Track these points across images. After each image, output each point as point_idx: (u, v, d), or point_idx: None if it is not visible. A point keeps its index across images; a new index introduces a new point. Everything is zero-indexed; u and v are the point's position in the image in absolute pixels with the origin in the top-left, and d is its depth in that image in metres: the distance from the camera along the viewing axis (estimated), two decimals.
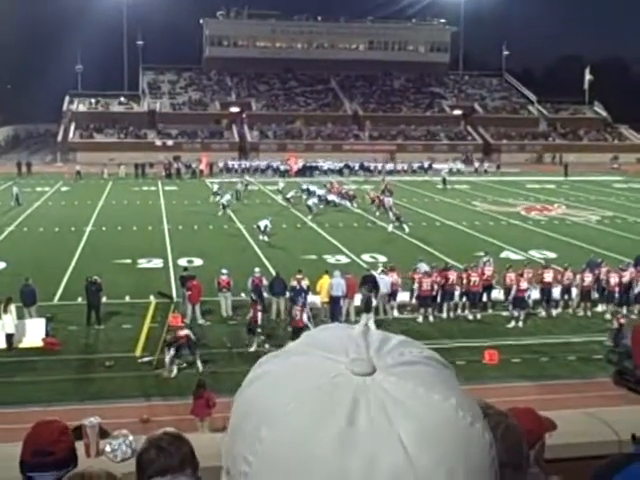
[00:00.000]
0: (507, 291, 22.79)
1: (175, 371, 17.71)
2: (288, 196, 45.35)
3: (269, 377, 0.85)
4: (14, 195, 43.99)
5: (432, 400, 0.80)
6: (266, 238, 32.80)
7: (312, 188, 47.39)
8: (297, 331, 18.39)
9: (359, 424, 0.76)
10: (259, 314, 19.63)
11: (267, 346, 19.56)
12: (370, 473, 0.75)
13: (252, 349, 19.42)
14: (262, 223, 33.30)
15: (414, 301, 22.95)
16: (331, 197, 45.48)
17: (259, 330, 19.55)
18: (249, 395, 0.85)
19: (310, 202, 41.67)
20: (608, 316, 22.30)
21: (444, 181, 56.07)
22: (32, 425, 3.34)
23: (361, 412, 0.77)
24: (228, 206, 41.36)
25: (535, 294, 23.12)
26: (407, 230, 35.58)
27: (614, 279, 22.98)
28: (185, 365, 18.01)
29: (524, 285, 22.24)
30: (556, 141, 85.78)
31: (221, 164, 66.60)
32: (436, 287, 22.40)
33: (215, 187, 47.98)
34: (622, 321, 19.33)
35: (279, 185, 50.20)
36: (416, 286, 22.48)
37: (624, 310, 22.94)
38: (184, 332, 18.11)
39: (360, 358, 0.83)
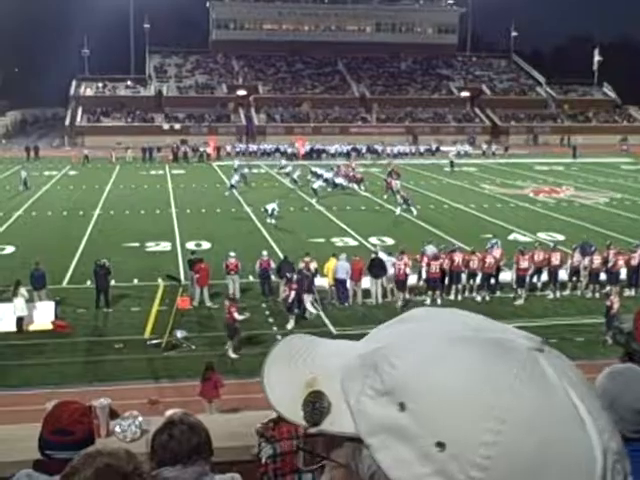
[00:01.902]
0: None
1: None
2: (294, 177, 45.42)
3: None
4: (22, 179, 44.11)
5: (584, 376, 0.87)
6: (273, 221, 32.81)
7: (320, 171, 47.33)
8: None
9: (569, 391, 0.81)
10: (293, 293, 19.76)
11: (275, 328, 19.69)
12: (598, 425, 0.81)
13: (290, 326, 19.55)
14: (270, 206, 33.28)
15: (421, 283, 22.97)
16: (339, 180, 45.39)
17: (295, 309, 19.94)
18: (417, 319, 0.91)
19: (316, 185, 41.57)
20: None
21: (452, 164, 55.89)
22: (54, 405, 3.38)
23: (564, 382, 0.82)
24: (236, 187, 41.43)
25: (543, 276, 23.19)
26: (415, 213, 35.51)
27: (621, 261, 22.98)
28: (194, 347, 18.10)
29: (524, 264, 22.29)
30: (565, 123, 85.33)
31: (229, 147, 66.55)
32: (445, 269, 22.43)
33: (236, 163, 48.61)
34: (608, 303, 19.37)
35: (287, 168, 50.14)
36: (424, 269, 22.49)
37: (632, 291, 23.02)
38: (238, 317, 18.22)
39: (531, 336, 0.87)
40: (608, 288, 22.08)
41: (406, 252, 23.40)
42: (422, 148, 69.08)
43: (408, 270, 22.41)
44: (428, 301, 22.03)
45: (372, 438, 0.85)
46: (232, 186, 41.48)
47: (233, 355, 17.62)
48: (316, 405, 0.89)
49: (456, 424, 0.81)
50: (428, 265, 22.32)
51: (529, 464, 0.78)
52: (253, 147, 68.51)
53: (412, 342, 0.87)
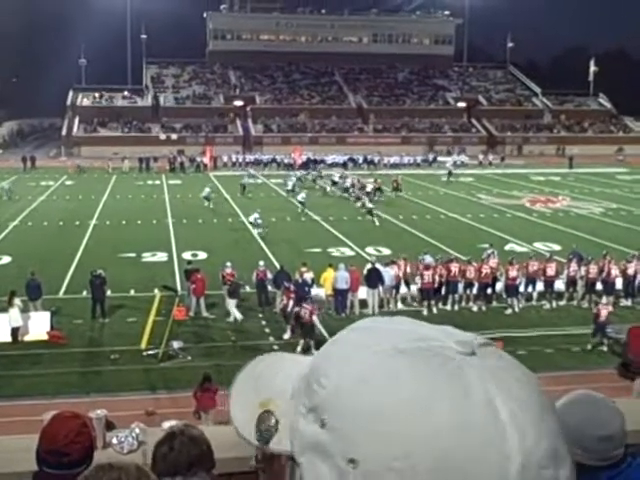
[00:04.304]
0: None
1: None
2: (288, 187, 45.54)
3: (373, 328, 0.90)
4: (5, 190, 44.19)
5: (531, 379, 0.85)
6: (260, 230, 32.76)
7: (335, 179, 48.32)
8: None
9: (494, 401, 0.79)
10: (291, 302, 19.78)
11: (272, 338, 19.67)
12: (524, 441, 0.78)
13: (286, 336, 19.58)
14: (252, 218, 33.36)
15: (415, 292, 22.98)
16: (347, 184, 46.22)
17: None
18: (348, 340, 0.89)
19: (299, 197, 40.75)
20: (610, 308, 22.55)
21: (449, 174, 56.03)
22: (51, 418, 3.33)
23: (489, 387, 0.80)
24: (210, 199, 41.32)
25: (539, 286, 23.24)
26: (377, 224, 35.50)
27: (614, 271, 23.01)
28: (190, 358, 18.07)
29: (513, 274, 22.37)
30: (561, 133, 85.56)
31: (225, 158, 66.52)
32: (437, 279, 22.43)
33: (251, 171, 50.37)
34: (594, 311, 19.41)
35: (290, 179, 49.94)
36: (418, 279, 22.50)
37: (629, 302, 23.08)
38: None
39: (464, 340, 0.86)
40: (604, 299, 22.13)
41: (397, 262, 23.40)
42: (419, 158, 69.04)
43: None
44: (425, 311, 22.04)
45: (302, 457, 0.86)
46: (207, 198, 41.47)
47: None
48: (264, 424, 0.91)
49: (368, 443, 0.80)
50: (422, 275, 22.32)
51: None
52: (250, 157, 68.42)
53: (342, 360, 0.87)
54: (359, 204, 40.13)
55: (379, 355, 0.84)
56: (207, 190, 42.51)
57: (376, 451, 0.79)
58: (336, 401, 0.84)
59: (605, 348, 19.26)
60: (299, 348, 18.35)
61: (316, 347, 17.96)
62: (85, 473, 1.99)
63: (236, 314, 20.92)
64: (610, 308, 19.95)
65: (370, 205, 38.57)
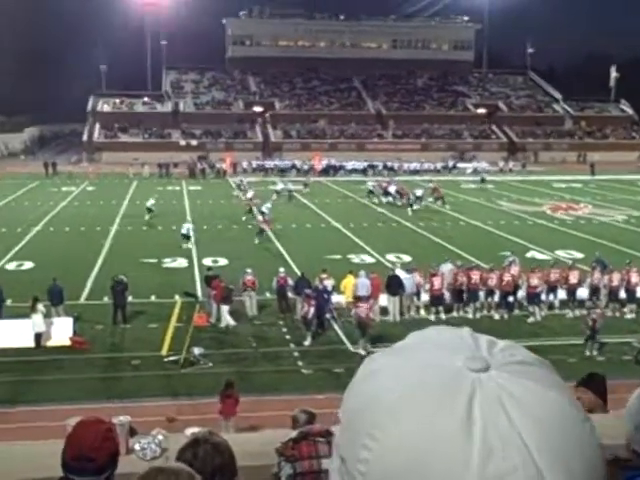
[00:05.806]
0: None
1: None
2: (249, 195, 43.84)
3: (388, 371, 0.89)
4: None
5: (548, 396, 0.84)
6: (190, 245, 31.83)
7: (370, 186, 47.91)
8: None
9: (475, 416, 0.80)
10: (312, 309, 19.77)
11: (292, 345, 19.65)
12: (489, 465, 0.77)
13: (307, 343, 19.61)
14: (184, 229, 32.31)
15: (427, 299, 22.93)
16: (391, 189, 46.40)
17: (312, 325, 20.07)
18: (366, 389, 0.89)
19: (264, 208, 38.17)
20: (632, 315, 22.40)
21: (482, 180, 56.13)
22: (76, 424, 3.33)
23: (477, 405, 0.81)
24: (152, 210, 39.67)
25: (561, 294, 23.05)
26: (256, 241, 33.14)
27: (634, 279, 22.78)
28: (211, 364, 18.08)
29: (534, 282, 22.23)
30: (582, 139, 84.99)
31: (245, 164, 66.59)
32: (446, 285, 22.38)
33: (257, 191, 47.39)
34: (594, 316, 19.37)
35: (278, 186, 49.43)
36: (428, 286, 22.41)
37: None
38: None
39: (475, 356, 0.87)
40: (625, 308, 21.89)
41: (418, 269, 23.32)
42: (439, 165, 68.80)
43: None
44: (443, 317, 21.99)
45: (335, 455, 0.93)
46: (149, 209, 39.49)
47: (362, 352, 18.39)
48: None
49: (347, 439, 0.87)
50: (431, 282, 22.21)
51: None
52: (269, 163, 68.57)
53: (375, 372, 0.91)
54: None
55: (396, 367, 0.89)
56: (151, 201, 40.87)
57: (350, 448, 0.86)
58: (345, 401, 0.92)
59: (587, 352, 19.15)
60: (361, 350, 18.64)
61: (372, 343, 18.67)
62: (141, 474, 2.05)
63: (229, 320, 20.97)
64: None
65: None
